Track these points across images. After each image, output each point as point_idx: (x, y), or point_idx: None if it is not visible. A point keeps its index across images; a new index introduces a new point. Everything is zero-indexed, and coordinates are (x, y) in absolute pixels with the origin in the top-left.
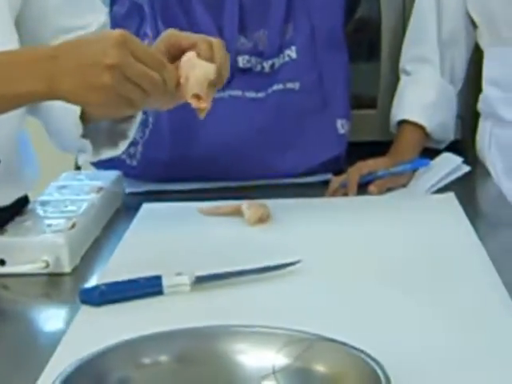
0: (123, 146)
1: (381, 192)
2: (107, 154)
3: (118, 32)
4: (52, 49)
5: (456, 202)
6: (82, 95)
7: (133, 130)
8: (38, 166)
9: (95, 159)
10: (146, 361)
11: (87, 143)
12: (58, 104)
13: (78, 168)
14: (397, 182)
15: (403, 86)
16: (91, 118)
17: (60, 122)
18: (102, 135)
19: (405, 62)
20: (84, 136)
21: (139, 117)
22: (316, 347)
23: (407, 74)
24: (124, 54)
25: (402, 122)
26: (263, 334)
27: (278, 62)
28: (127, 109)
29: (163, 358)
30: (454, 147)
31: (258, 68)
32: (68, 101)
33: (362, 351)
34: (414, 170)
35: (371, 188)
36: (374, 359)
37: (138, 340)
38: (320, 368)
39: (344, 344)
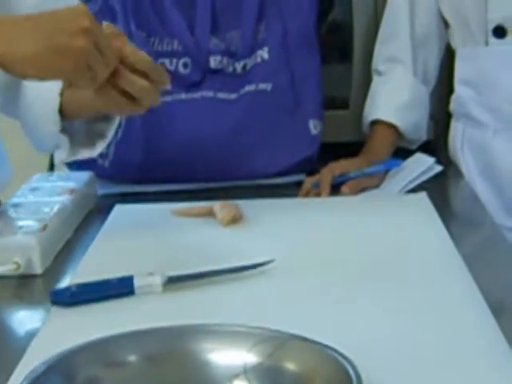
0: (101, 146)
1: (354, 192)
2: (84, 153)
3: (82, 4)
4: (12, 15)
5: (428, 202)
6: (45, 60)
7: (111, 131)
8: (10, 168)
9: (72, 158)
10: (115, 360)
11: (64, 139)
12: (35, 97)
13: (50, 169)
14: (369, 183)
15: (376, 86)
16: (70, 114)
17: (38, 117)
18: (79, 134)
19: (377, 62)
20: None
21: (117, 118)
22: (287, 346)
23: (379, 74)
24: (94, 21)
25: (375, 122)
26: (234, 332)
27: (249, 62)
28: (87, 82)
29: (132, 357)
30: (426, 147)
31: (230, 69)
32: (22, 67)
33: (333, 350)
34: (387, 171)
35: (344, 188)
36: (345, 358)
37: (107, 339)
38: (291, 366)
39: (315, 343)
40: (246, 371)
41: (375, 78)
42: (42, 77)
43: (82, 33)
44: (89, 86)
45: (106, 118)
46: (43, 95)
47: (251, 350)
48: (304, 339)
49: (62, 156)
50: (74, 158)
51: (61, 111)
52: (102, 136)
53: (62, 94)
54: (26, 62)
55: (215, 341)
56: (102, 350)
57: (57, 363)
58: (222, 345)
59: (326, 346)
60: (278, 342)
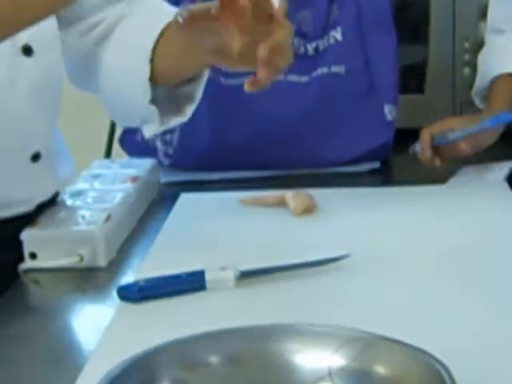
0: (190, 110)
1: (472, 151)
2: (174, 121)
3: None
4: None
5: None
6: None
7: (200, 91)
8: (72, 159)
9: (162, 129)
10: (198, 362)
11: (155, 110)
12: (119, 67)
13: (107, 156)
14: (485, 140)
15: (499, 43)
16: (160, 79)
17: (123, 89)
18: (164, 102)
19: (497, 21)
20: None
21: (205, 76)
22: (375, 347)
23: (502, 32)
24: None
25: (495, 82)
26: (318, 333)
27: (322, 44)
28: None
29: (214, 358)
30: None
31: (302, 50)
32: None
33: (425, 352)
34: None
35: (462, 146)
36: (438, 361)
37: (188, 340)
38: (380, 370)
39: (406, 345)
40: (330, 374)
41: (495, 38)
42: None
43: None
44: None
45: (192, 79)
46: (128, 64)
47: (337, 351)
48: (394, 341)
49: (151, 129)
50: (164, 128)
51: (150, 80)
52: (189, 99)
53: (152, 61)
54: None
55: (299, 341)
56: (182, 350)
57: (135, 364)
58: (305, 345)
59: (418, 348)
60: (365, 343)
